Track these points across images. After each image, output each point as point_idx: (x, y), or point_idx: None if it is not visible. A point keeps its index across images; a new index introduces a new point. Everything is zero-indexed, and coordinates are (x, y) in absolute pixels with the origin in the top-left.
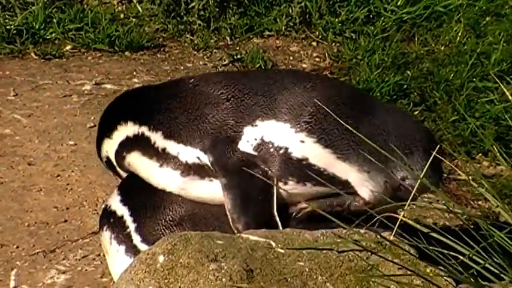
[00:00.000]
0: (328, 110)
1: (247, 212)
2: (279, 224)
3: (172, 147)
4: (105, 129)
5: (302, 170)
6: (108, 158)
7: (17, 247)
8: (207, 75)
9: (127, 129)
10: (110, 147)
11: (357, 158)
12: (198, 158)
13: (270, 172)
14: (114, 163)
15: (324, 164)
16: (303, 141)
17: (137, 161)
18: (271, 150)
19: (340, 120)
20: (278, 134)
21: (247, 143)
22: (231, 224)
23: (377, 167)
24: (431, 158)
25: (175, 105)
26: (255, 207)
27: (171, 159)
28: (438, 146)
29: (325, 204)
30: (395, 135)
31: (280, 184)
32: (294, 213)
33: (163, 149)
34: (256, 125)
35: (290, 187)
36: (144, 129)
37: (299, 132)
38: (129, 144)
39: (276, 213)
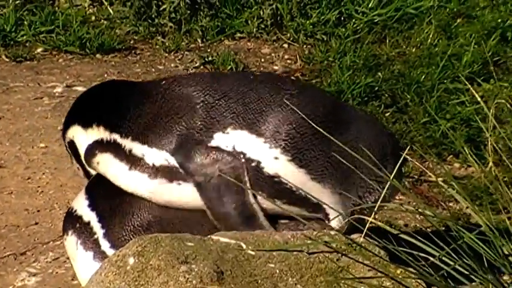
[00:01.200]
0: (305, 125)
1: (225, 204)
2: (259, 210)
3: (139, 149)
4: (77, 118)
5: (273, 186)
6: (72, 141)
7: None
8: (180, 77)
9: (101, 133)
10: (79, 137)
11: (330, 180)
12: (166, 160)
13: (238, 162)
14: (82, 159)
15: (297, 183)
16: (276, 158)
17: (107, 163)
18: (242, 161)
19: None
20: (251, 146)
21: (216, 146)
22: (213, 220)
23: (349, 188)
24: (400, 163)
25: (145, 107)
26: (232, 198)
27: (138, 161)
28: (403, 155)
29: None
30: (370, 150)
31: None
32: None
33: (130, 151)
34: (227, 133)
35: (259, 202)
36: (117, 136)
37: (273, 148)
38: (101, 146)
39: (252, 200)
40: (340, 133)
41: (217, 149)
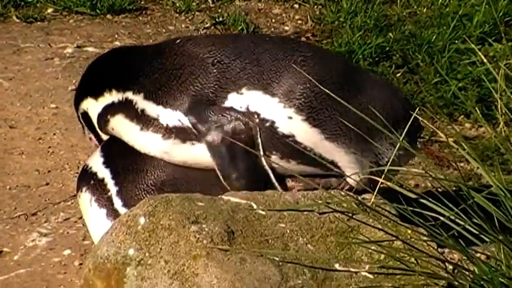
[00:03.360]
0: (320, 88)
1: (236, 165)
2: (270, 172)
3: (152, 108)
4: (89, 90)
5: (287, 146)
6: (85, 112)
7: None
8: (194, 37)
9: (112, 96)
10: (92, 108)
11: (344, 139)
12: (179, 120)
13: (251, 123)
14: (95, 123)
15: (310, 143)
16: (290, 118)
17: (120, 125)
18: (256, 121)
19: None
20: (265, 106)
21: (230, 107)
22: (222, 180)
23: (364, 148)
24: (412, 127)
25: (159, 66)
26: (243, 159)
27: (151, 121)
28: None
29: (312, 185)
30: (383, 114)
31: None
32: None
33: (143, 111)
34: (242, 93)
35: (274, 161)
36: (129, 94)
37: (288, 108)
38: (113, 109)
39: (264, 162)
40: (354, 95)
41: (231, 109)
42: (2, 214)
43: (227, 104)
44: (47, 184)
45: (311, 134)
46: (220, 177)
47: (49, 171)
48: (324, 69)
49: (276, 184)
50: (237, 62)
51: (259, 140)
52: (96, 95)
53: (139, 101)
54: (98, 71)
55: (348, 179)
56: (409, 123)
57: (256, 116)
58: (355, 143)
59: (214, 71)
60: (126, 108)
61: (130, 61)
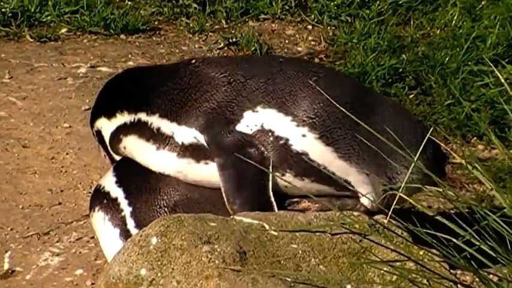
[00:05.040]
0: (332, 105)
1: (242, 192)
2: (274, 205)
3: (167, 126)
4: (103, 109)
5: (301, 164)
6: (99, 131)
7: (11, 229)
8: (209, 58)
9: (125, 117)
10: (105, 127)
11: (357, 159)
12: (195, 137)
13: (266, 153)
14: (107, 144)
15: (324, 162)
16: (304, 136)
17: (133, 144)
18: (271, 139)
19: (351, 111)
20: (279, 124)
21: (246, 127)
22: (226, 204)
23: (377, 169)
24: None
25: (174, 85)
26: (250, 187)
27: (166, 140)
28: (426, 137)
29: (327, 205)
30: (397, 135)
31: (277, 175)
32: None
33: (158, 129)
34: (257, 111)
35: (287, 180)
36: (142, 115)
37: (301, 126)
38: (126, 129)
39: (271, 194)
40: (366, 116)
41: (245, 134)
42: (14, 233)
43: (243, 122)
44: (60, 203)
45: (324, 152)
46: (225, 199)
47: (62, 191)
48: (337, 89)
49: None
50: (252, 81)
51: (271, 170)
52: (109, 115)
53: (154, 120)
54: (112, 91)
55: (362, 200)
56: (429, 148)
57: (270, 134)
58: (368, 163)
59: (230, 89)
60: (140, 128)
61: (143, 82)
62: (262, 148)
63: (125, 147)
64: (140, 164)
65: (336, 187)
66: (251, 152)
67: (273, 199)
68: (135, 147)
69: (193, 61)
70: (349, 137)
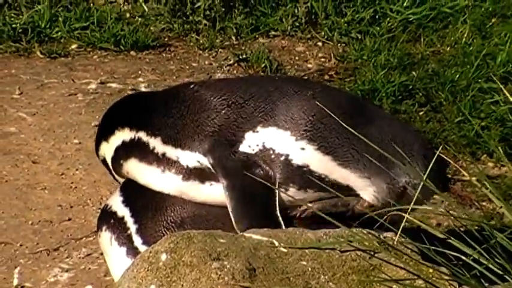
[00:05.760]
0: (328, 116)
1: (250, 213)
2: (282, 224)
3: (172, 151)
4: (103, 133)
5: (303, 176)
6: (104, 159)
7: (21, 245)
8: (207, 81)
9: (123, 134)
10: (107, 151)
11: (357, 165)
12: (198, 161)
13: (270, 172)
14: (111, 168)
15: (324, 171)
16: (303, 149)
17: (136, 168)
18: (272, 156)
19: (343, 124)
20: (279, 141)
21: (248, 147)
22: (234, 224)
23: (378, 173)
24: (432, 164)
25: (175, 110)
26: (257, 207)
27: (171, 164)
28: (436, 154)
29: (330, 204)
30: (394, 143)
31: (282, 190)
32: (298, 214)
33: (163, 154)
34: (257, 131)
35: (291, 194)
36: (142, 135)
37: (299, 140)
38: (126, 151)
39: (278, 213)
40: (364, 125)
41: (250, 154)
42: (24, 249)
43: (244, 143)
44: (69, 219)
45: (324, 161)
46: (233, 220)
47: (71, 207)
48: (334, 102)
49: None
50: (251, 102)
51: (277, 191)
52: (109, 135)
53: (157, 145)
54: (111, 114)
55: (365, 197)
56: (429, 159)
57: (272, 152)
58: (369, 168)
59: (230, 112)
60: (140, 150)
61: (143, 104)
62: (267, 167)
63: (127, 172)
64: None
65: (340, 193)
66: (257, 172)
67: (280, 219)
68: (137, 171)
69: (192, 86)
70: (347, 144)
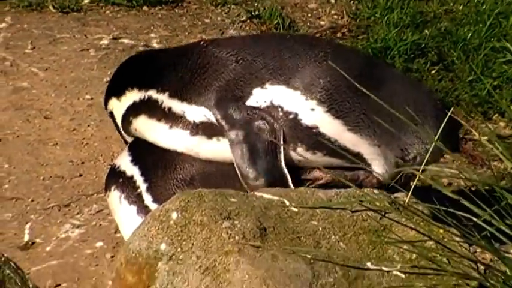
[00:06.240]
0: (339, 78)
1: (255, 165)
2: (288, 176)
3: (178, 106)
4: (113, 90)
5: (312, 137)
6: (112, 113)
7: (32, 201)
8: (217, 39)
9: (134, 95)
10: (116, 109)
11: (368, 131)
12: (205, 115)
13: (276, 125)
14: (120, 126)
15: (334, 135)
16: (313, 109)
17: (144, 125)
18: (281, 114)
19: (356, 85)
20: (288, 99)
21: (256, 103)
22: (240, 178)
23: (388, 141)
24: (444, 124)
25: (183, 66)
26: (263, 160)
27: (178, 119)
28: (448, 114)
29: (339, 177)
30: (407, 106)
31: (289, 148)
32: (308, 183)
33: (169, 109)
34: (265, 88)
35: (299, 153)
36: (152, 93)
37: (309, 100)
38: (136, 109)
39: (284, 166)
40: (376, 88)
41: (256, 108)
42: (35, 205)
43: (252, 98)
44: (81, 175)
45: (334, 125)
46: (239, 175)
47: (83, 163)
48: (345, 63)
49: (292, 187)
50: (260, 59)
51: (282, 141)
52: (119, 94)
53: (165, 100)
54: (122, 72)
55: (375, 168)
56: (441, 118)
57: (280, 109)
58: (379, 135)
59: (238, 68)
60: (150, 108)
61: (153, 62)
62: (273, 121)
63: (136, 129)
64: (153, 143)
65: (348, 160)
66: (261, 125)
67: (286, 170)
68: (146, 128)
69: (202, 42)
70: (358, 109)
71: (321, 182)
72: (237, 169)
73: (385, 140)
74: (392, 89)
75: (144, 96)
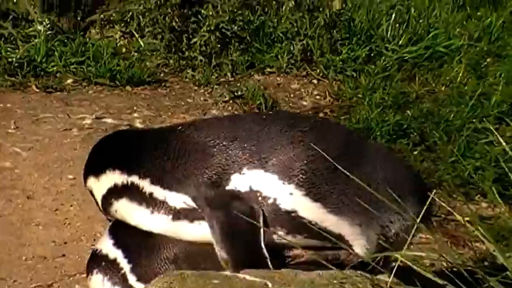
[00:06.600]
0: (317, 159)
1: (234, 246)
2: (268, 258)
3: (160, 192)
4: (93, 168)
5: (292, 221)
6: (91, 192)
7: (14, 281)
8: (195, 122)
9: (115, 177)
10: (96, 188)
11: (348, 212)
12: (185, 202)
13: (256, 207)
14: (100, 207)
15: (314, 218)
16: (291, 194)
17: (125, 208)
18: (259, 199)
19: (336, 165)
20: (266, 185)
21: (234, 188)
22: (219, 258)
23: (369, 220)
24: (426, 203)
25: (162, 151)
26: (242, 241)
27: (159, 204)
28: (431, 197)
29: (320, 256)
30: (386, 184)
31: (270, 232)
32: (288, 261)
33: (151, 194)
34: (243, 173)
35: (280, 237)
36: (134, 178)
37: (287, 184)
38: (117, 192)
39: (263, 246)
40: (355, 166)
41: (235, 192)
42: (17, 285)
43: (230, 184)
44: (63, 256)
45: (313, 208)
46: (219, 258)
47: (65, 243)
48: (323, 142)
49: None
50: (236, 143)
51: (261, 223)
52: (99, 173)
53: (146, 186)
54: (102, 151)
55: (356, 248)
56: (421, 194)
57: (258, 194)
58: (359, 215)
59: (215, 154)
60: (132, 192)
61: (133, 144)
62: (252, 203)
63: (116, 211)
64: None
65: (329, 240)
66: (240, 206)
67: (265, 252)
68: (127, 211)
69: (179, 127)
70: (337, 190)
71: (302, 259)
72: (217, 252)
73: (366, 218)
74: (373, 165)
75: (127, 181)
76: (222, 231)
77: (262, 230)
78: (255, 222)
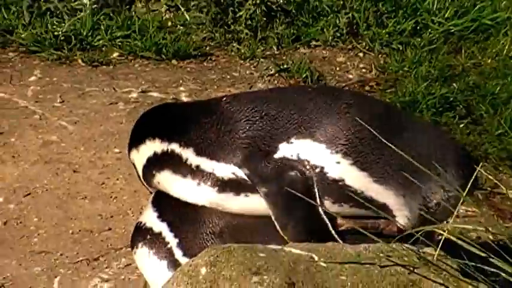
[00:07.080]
0: (363, 130)
1: (293, 215)
2: (327, 221)
3: (207, 164)
4: (134, 139)
5: (338, 190)
6: (134, 164)
7: (61, 254)
8: (240, 94)
9: (155, 146)
10: (137, 160)
11: (393, 182)
12: (233, 173)
13: (308, 173)
14: (141, 178)
15: (360, 187)
16: (338, 163)
17: (169, 180)
18: (307, 167)
19: (379, 137)
20: (314, 153)
21: (283, 157)
22: (279, 231)
23: (412, 191)
24: (472, 177)
25: (207, 122)
26: (300, 209)
27: (205, 176)
28: (477, 170)
29: (359, 225)
30: (430, 156)
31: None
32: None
33: (197, 166)
34: (291, 142)
35: (326, 207)
36: (174, 147)
37: (335, 153)
38: (158, 162)
39: (322, 212)
40: (399, 138)
41: (285, 159)
42: (64, 259)
43: (279, 153)
44: (110, 229)
45: (360, 177)
46: (277, 227)
47: (112, 216)
48: (367, 114)
49: (334, 234)
50: (283, 113)
51: (316, 189)
52: (139, 143)
53: (191, 157)
54: (143, 122)
55: (399, 219)
56: (462, 165)
57: (306, 163)
58: (403, 185)
59: (263, 123)
60: (174, 163)
61: (176, 115)
62: (304, 169)
63: (158, 182)
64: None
65: (373, 211)
66: (293, 175)
67: (324, 216)
68: (171, 183)
69: (224, 98)
70: (382, 161)
71: (341, 228)
72: (275, 222)
73: (410, 189)
74: (415, 138)
75: (167, 149)
76: (278, 201)
77: (318, 196)
78: (310, 190)
